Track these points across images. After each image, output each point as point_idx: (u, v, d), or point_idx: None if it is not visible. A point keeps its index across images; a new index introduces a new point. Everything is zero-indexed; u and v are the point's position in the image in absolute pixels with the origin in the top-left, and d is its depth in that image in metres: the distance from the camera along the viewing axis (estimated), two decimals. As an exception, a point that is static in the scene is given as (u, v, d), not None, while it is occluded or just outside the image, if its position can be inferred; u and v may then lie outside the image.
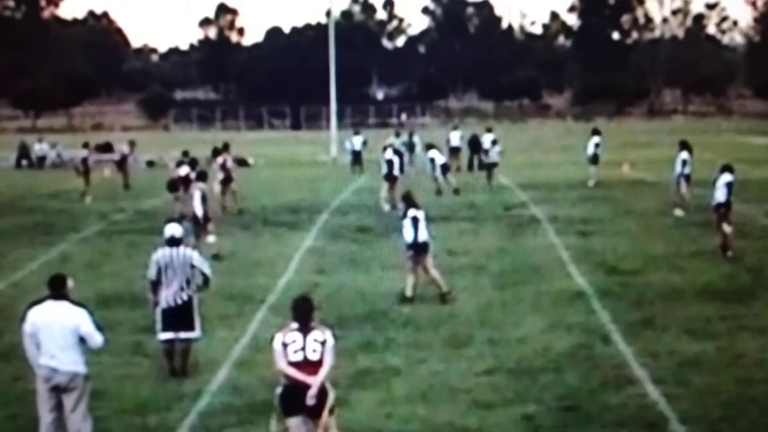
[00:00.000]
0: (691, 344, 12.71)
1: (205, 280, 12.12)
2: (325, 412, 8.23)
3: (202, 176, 20.67)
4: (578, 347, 12.66)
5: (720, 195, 19.20)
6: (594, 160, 32.91)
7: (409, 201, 15.80)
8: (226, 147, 27.87)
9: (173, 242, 11.99)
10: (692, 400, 10.53)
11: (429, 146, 32.44)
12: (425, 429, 9.94)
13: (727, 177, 19.29)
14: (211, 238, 19.51)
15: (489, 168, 34.76)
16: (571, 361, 12.05)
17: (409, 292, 15.39)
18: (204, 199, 19.63)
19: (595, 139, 32.94)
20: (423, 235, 15.45)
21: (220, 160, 26.96)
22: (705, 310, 14.51)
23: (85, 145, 34.21)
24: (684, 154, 24.75)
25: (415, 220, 15.36)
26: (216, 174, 26.11)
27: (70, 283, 9.24)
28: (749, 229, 21.65)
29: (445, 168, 31.47)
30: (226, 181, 26.72)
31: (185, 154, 26.95)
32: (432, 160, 31.17)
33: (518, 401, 10.64)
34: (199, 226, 19.34)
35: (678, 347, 12.58)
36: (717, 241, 19.25)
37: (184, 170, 25.35)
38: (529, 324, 13.92)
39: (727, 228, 18.95)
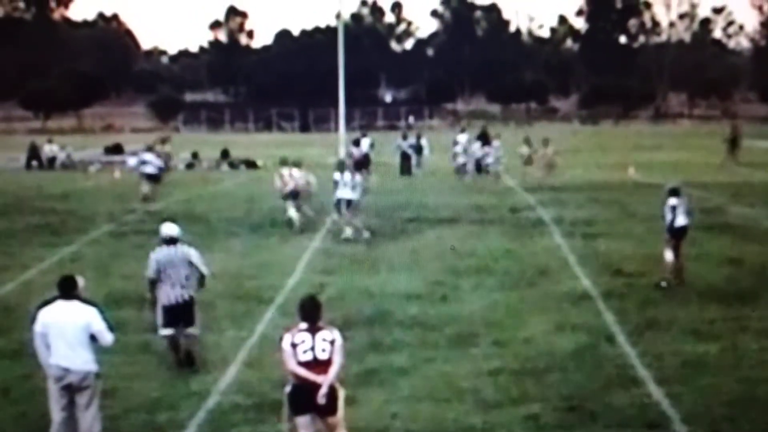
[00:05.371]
0: (694, 345, 12.80)
1: (201, 278, 12.11)
2: (340, 411, 8.34)
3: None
4: (583, 348, 12.75)
5: (681, 219, 16.50)
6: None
7: None
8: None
9: (171, 241, 12.13)
10: (695, 401, 10.60)
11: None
12: (431, 428, 10.03)
13: (672, 201, 16.49)
14: None
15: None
16: (576, 362, 12.14)
17: None
18: None
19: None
20: None
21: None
22: (709, 311, 14.59)
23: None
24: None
25: None
26: None
27: (81, 282, 9.30)
28: (753, 232, 21.69)
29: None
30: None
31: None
32: None
33: (523, 401, 10.71)
34: None
35: (682, 348, 12.66)
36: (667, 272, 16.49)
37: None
38: (535, 325, 14.00)
39: (669, 255, 16.52)
